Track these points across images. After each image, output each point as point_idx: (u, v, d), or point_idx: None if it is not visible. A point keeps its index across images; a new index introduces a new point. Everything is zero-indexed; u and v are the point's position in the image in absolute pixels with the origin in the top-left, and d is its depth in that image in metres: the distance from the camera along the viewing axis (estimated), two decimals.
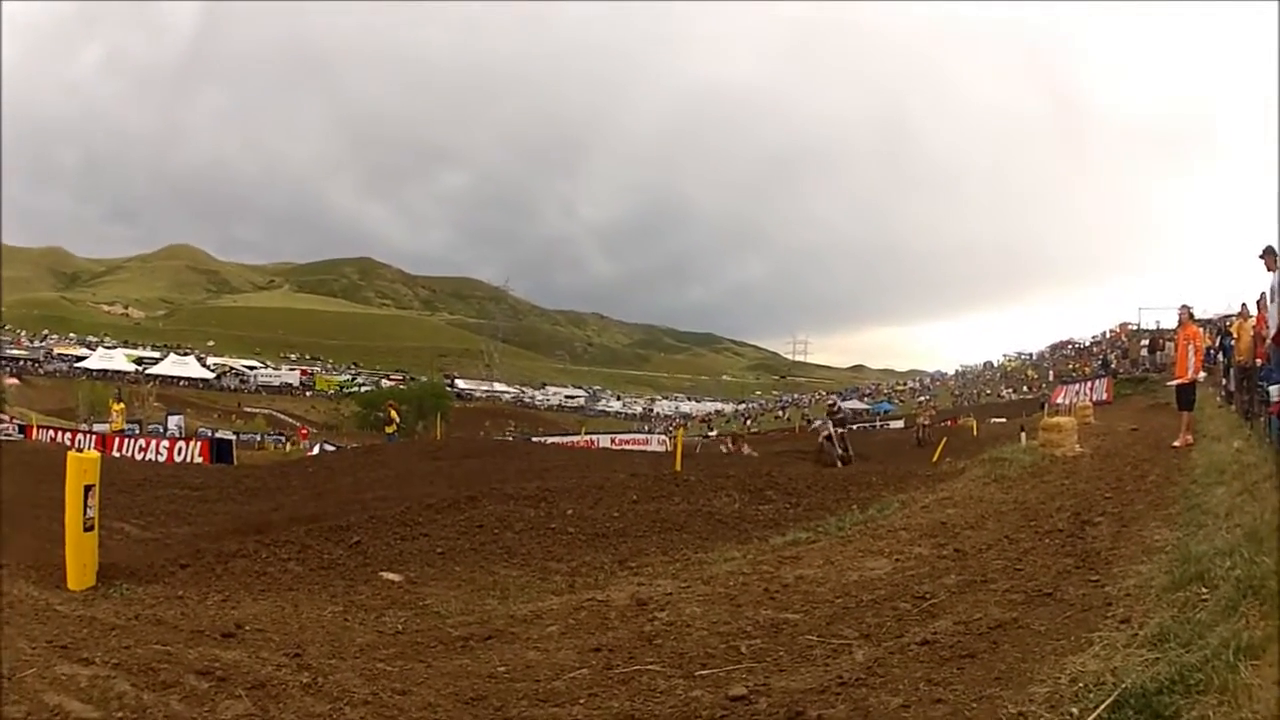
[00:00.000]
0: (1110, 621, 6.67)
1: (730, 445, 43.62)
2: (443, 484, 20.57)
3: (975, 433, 36.97)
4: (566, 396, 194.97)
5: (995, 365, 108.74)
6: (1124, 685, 5.08)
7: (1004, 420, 51.34)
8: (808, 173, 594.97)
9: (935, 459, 21.66)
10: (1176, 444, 18.35)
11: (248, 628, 8.96)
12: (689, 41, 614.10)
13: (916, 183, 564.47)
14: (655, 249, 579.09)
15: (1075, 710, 5.07)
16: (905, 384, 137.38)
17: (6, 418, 66.62)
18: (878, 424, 78.37)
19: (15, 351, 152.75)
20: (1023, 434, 21.63)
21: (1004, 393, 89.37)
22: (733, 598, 8.64)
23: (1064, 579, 7.98)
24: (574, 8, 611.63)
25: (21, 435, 46.02)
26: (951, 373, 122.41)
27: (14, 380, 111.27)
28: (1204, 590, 6.86)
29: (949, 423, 56.63)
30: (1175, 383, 20.67)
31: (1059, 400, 52.18)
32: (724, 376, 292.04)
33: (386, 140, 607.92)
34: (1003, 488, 13.99)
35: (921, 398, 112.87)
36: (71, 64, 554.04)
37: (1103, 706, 4.92)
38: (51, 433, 47.81)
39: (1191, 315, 21.51)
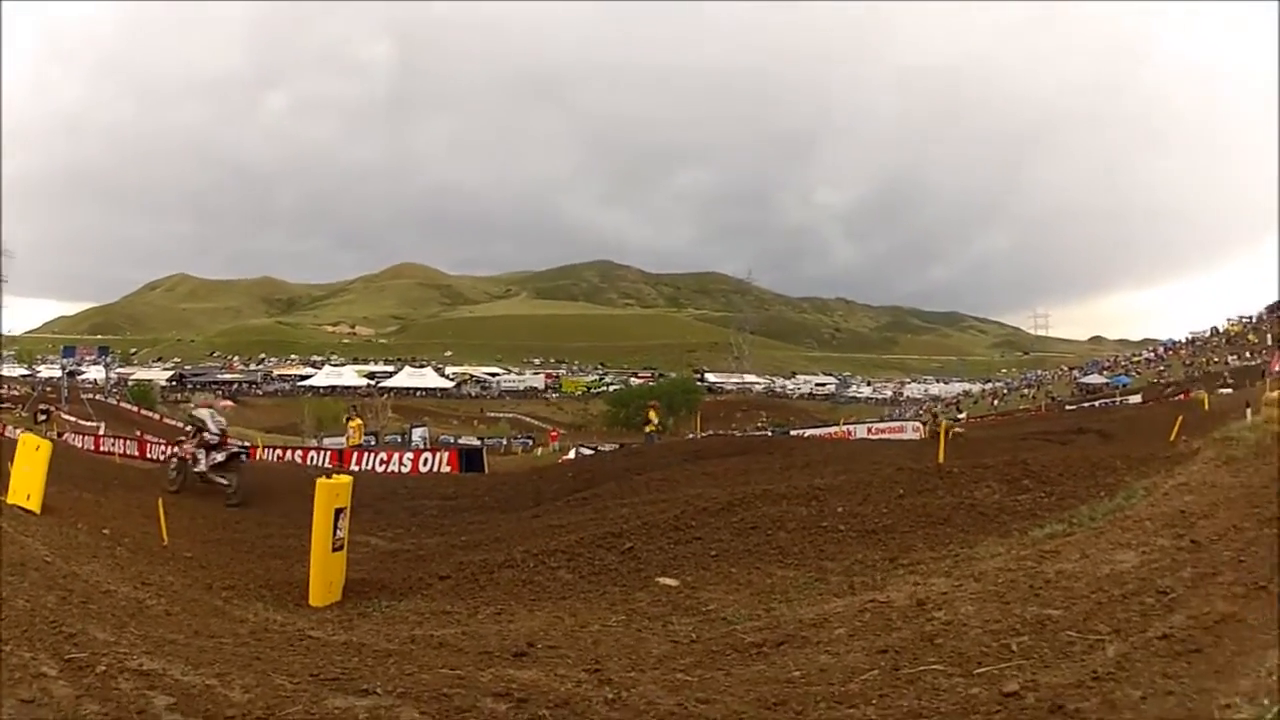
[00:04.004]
0: None
1: (936, 425, 42.94)
2: (709, 485, 20.71)
3: (1206, 406, 36.48)
4: (817, 384, 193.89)
5: (1220, 331, 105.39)
6: None
7: (1231, 390, 50.22)
8: (1034, 146, 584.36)
9: (1173, 438, 21.90)
10: None
11: (539, 645, 9.15)
12: (914, 21, 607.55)
13: (1139, 150, 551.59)
14: (895, 230, 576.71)
15: (1266, 701, 5.61)
16: (1140, 355, 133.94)
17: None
18: (1117, 400, 76.93)
19: (228, 376, 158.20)
20: (1248, 410, 21.72)
21: (1230, 359, 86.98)
22: (1001, 595, 8.97)
23: (1278, 571, 8.17)
24: None
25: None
26: (1182, 340, 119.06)
27: (228, 402, 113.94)
28: None
29: (1182, 396, 55.77)
30: None
31: (1278, 367, 51.03)
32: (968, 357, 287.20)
33: (620, 146, 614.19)
34: (1231, 470, 13.42)
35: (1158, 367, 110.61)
36: (264, 113, 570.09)
37: None
38: (279, 452, 48.75)
39: None
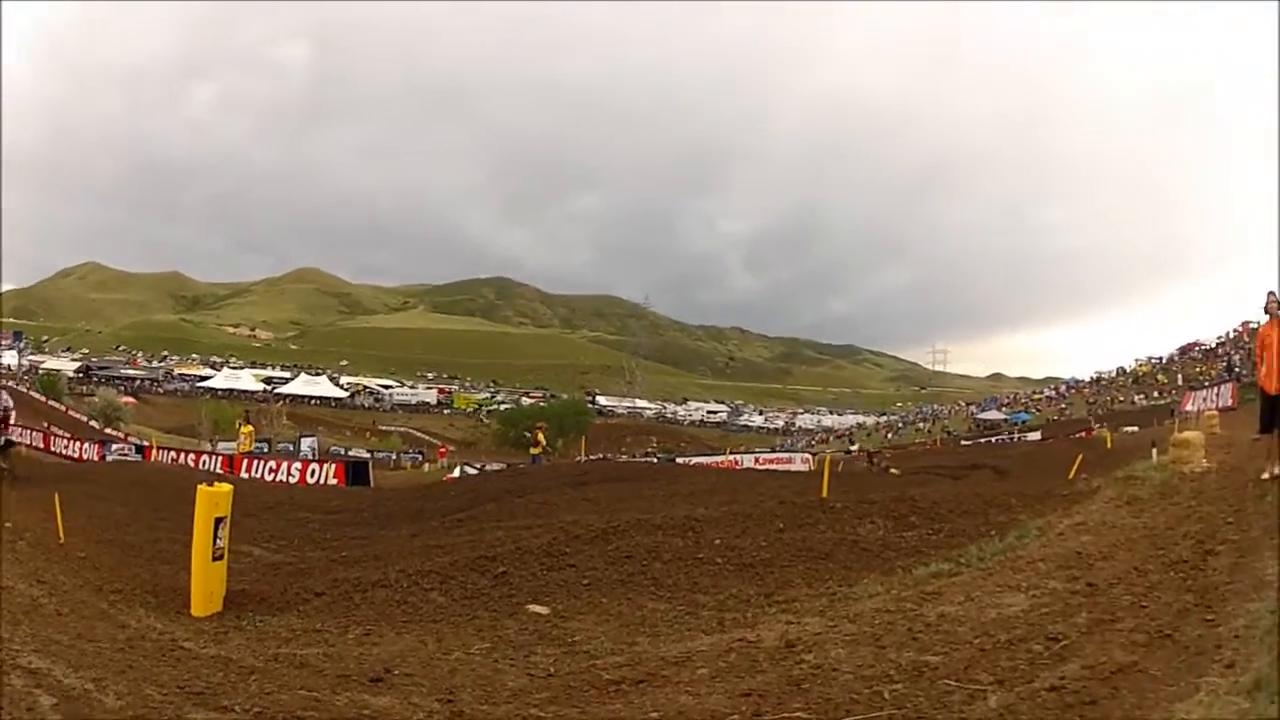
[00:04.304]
0: (1217, 666, 6.68)
1: (873, 464, 43.29)
2: (588, 511, 20.29)
3: (1109, 445, 36.59)
4: (709, 412, 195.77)
5: (1128, 370, 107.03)
6: None
7: (1136, 429, 50.65)
8: (943, 180, 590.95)
9: (1072, 476, 21.54)
10: (1265, 476, 14.77)
11: (396, 671, 9.09)
12: (826, 53, 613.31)
13: (1049, 186, 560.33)
14: (796, 261, 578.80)
15: None
16: (1041, 393, 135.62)
17: (123, 435, 67.78)
18: (1015, 436, 77.56)
19: (131, 371, 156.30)
20: (1154, 450, 21.31)
21: (1136, 399, 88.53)
22: (877, 638, 8.64)
23: (1183, 618, 7.98)
24: (710, 22, 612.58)
25: (139, 456, 46.39)
26: (1086, 379, 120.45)
27: (130, 399, 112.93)
28: None
29: (1083, 433, 56.19)
30: None
31: (1188, 407, 51.49)
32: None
33: (524, 163, 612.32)
34: (1134, 511, 13.76)
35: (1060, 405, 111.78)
36: (185, 105, 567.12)
37: None
38: (173, 454, 47.93)
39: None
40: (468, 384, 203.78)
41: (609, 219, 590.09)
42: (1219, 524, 11.80)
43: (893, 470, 38.75)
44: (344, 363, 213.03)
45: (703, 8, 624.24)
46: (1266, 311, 15.87)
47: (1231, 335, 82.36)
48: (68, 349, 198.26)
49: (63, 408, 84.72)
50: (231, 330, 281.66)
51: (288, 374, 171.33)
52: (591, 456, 61.21)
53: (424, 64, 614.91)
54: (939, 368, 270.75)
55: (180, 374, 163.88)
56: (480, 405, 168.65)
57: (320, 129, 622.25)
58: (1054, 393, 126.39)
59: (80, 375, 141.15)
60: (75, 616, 10.43)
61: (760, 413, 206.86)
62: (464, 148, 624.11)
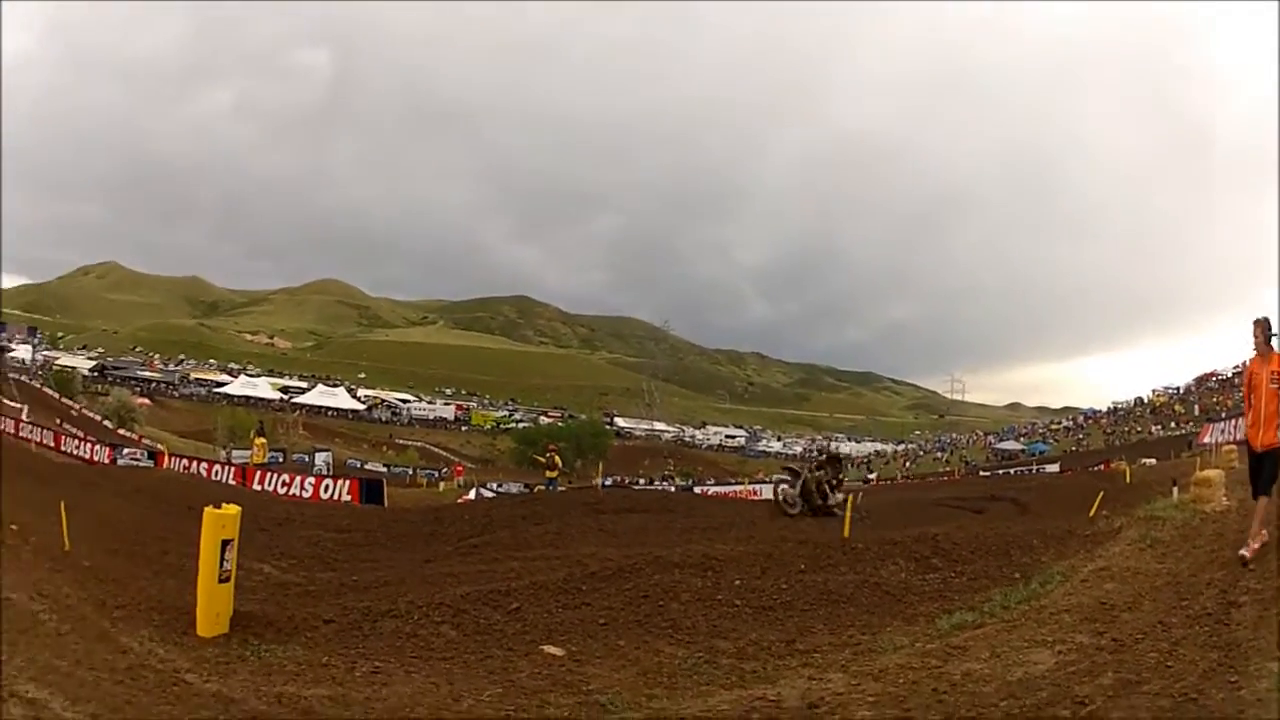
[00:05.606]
0: None
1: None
2: (604, 544, 20.03)
3: (1129, 479, 36.10)
4: (727, 436, 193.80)
5: (1145, 401, 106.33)
6: None
7: (1154, 461, 50.13)
8: (958, 214, 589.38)
9: (1092, 513, 21.21)
10: (1244, 553, 12.06)
11: None
12: (832, 90, 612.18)
13: (1062, 221, 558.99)
14: (811, 290, 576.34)
15: None
16: (1059, 423, 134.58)
17: (136, 438, 67.60)
18: (1034, 467, 76.71)
19: (147, 373, 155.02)
20: (1174, 488, 20.96)
21: (1154, 429, 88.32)
22: (902, 700, 8.36)
23: (1208, 680, 7.72)
24: (718, 58, 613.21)
25: (151, 461, 46.19)
26: (1104, 410, 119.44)
27: (145, 400, 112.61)
28: None
29: (1102, 466, 55.55)
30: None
31: (1206, 439, 51.22)
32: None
33: (535, 187, 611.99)
34: (1156, 555, 13.46)
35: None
36: (198, 108, 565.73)
37: None
38: (185, 461, 47.34)
39: (1268, 335, 13.04)
40: (486, 401, 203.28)
41: (624, 242, 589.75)
42: (1241, 571, 11.57)
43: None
44: (362, 375, 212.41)
45: (719, 40, 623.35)
46: (1254, 347, 13.39)
47: (1247, 365, 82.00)
48: (83, 347, 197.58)
49: (76, 406, 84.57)
50: (250, 338, 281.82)
51: (304, 384, 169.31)
52: (605, 481, 60.50)
53: (432, 80, 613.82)
54: (957, 396, 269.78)
55: (197, 378, 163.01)
56: (498, 423, 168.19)
57: (331, 137, 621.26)
58: (1071, 423, 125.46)
59: (95, 374, 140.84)
60: (76, 636, 10.08)
61: (778, 438, 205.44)
62: (473, 165, 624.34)
